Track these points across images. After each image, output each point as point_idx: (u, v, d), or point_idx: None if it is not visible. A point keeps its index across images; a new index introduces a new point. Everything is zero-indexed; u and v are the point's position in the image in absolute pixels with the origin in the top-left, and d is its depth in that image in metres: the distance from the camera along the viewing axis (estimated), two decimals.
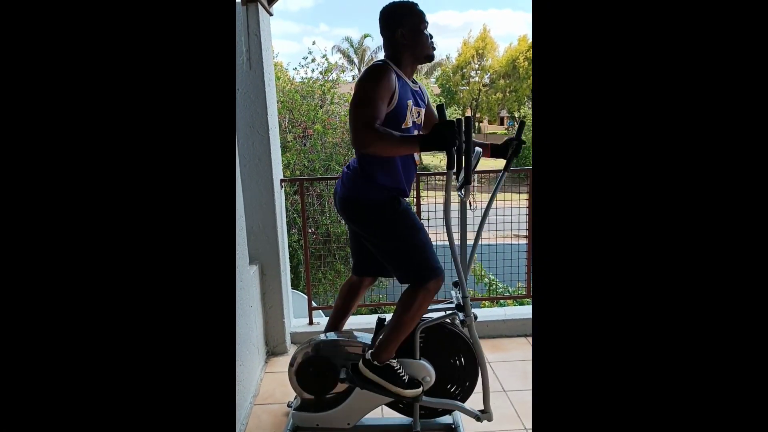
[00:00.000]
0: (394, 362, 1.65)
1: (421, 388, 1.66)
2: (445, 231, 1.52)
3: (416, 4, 1.56)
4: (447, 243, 1.55)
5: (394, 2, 1.56)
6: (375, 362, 1.63)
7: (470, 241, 1.76)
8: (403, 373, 1.65)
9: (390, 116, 1.49)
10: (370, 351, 1.66)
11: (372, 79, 1.45)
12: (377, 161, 1.56)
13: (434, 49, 1.61)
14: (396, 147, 1.45)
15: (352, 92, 1.49)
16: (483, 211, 1.73)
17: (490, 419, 1.69)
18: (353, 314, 2.01)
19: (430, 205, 2.80)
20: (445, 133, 1.35)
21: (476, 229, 1.77)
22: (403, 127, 1.54)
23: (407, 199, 1.70)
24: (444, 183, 1.49)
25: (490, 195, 1.69)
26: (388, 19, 1.55)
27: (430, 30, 1.58)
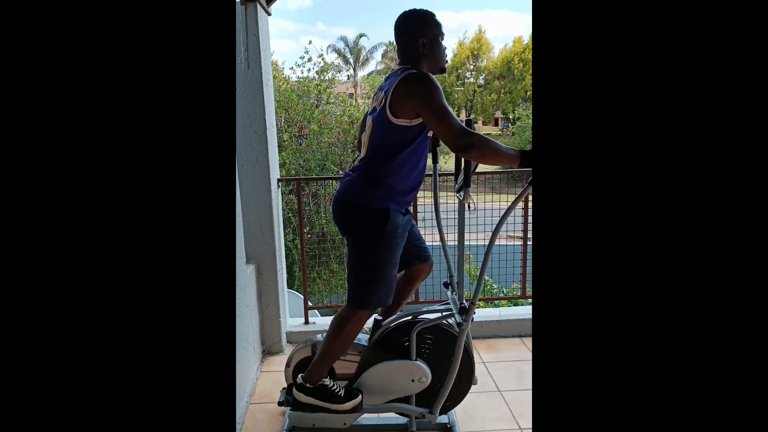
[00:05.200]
0: (326, 380, 1.67)
1: (360, 397, 1.68)
2: (457, 233, 1.53)
3: (434, 14, 1.55)
4: (454, 243, 1.55)
5: (415, 10, 1.55)
6: (308, 384, 1.66)
7: (467, 243, 1.77)
8: (337, 389, 1.68)
9: (421, 123, 1.49)
10: (300, 375, 1.69)
11: (436, 89, 1.44)
12: (394, 165, 1.53)
13: (447, 62, 1.60)
14: (497, 156, 1.44)
15: (417, 103, 1.44)
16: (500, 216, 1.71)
17: (432, 421, 1.74)
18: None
19: (426, 206, 2.82)
20: None
21: (491, 231, 1.76)
22: (429, 135, 1.56)
23: (407, 209, 1.68)
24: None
25: (508, 206, 1.65)
26: (411, 26, 1.53)
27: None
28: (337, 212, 1.63)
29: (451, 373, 1.65)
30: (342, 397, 1.66)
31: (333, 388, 1.67)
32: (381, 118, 1.51)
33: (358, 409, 1.68)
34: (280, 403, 1.75)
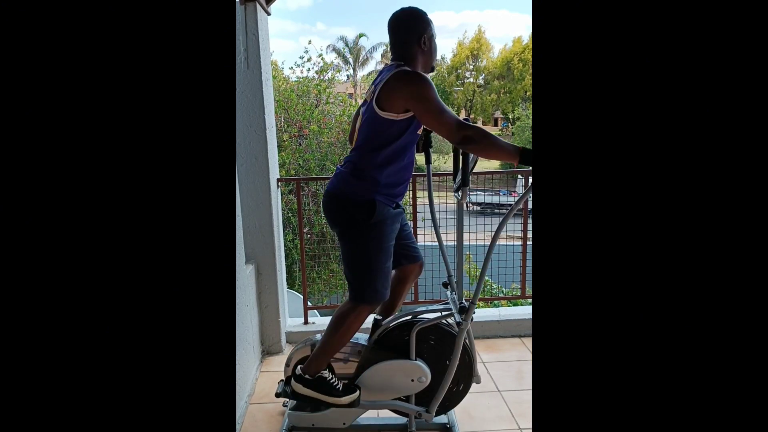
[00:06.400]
0: (325, 373, 1.67)
1: (357, 392, 1.68)
2: (456, 232, 1.54)
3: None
4: (453, 243, 1.56)
5: (412, 8, 1.56)
6: (306, 376, 1.66)
7: (467, 243, 1.78)
8: (335, 383, 1.68)
9: (412, 119, 1.50)
10: (300, 366, 1.69)
11: (430, 87, 1.46)
12: (379, 159, 1.53)
13: (437, 60, 1.66)
14: (497, 149, 1.45)
15: (411, 101, 1.46)
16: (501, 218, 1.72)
17: (428, 420, 1.74)
18: None
19: (426, 206, 2.81)
20: None
21: (491, 231, 1.78)
22: (418, 133, 1.57)
23: (401, 203, 1.68)
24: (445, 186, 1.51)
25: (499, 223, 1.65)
26: (414, 23, 1.54)
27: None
28: (324, 205, 1.64)
29: (449, 372, 1.65)
30: (340, 390, 1.67)
31: (331, 381, 1.67)
32: (368, 111, 1.54)
33: (355, 404, 1.68)
34: (277, 395, 1.75)
